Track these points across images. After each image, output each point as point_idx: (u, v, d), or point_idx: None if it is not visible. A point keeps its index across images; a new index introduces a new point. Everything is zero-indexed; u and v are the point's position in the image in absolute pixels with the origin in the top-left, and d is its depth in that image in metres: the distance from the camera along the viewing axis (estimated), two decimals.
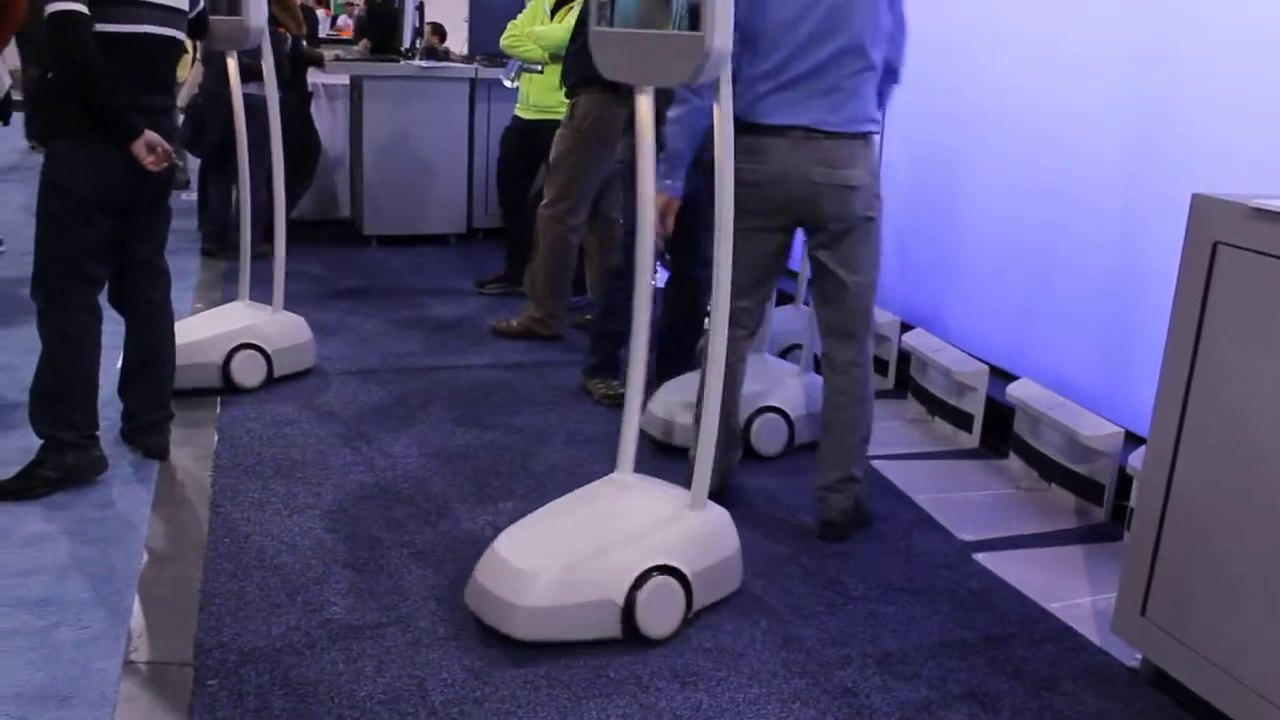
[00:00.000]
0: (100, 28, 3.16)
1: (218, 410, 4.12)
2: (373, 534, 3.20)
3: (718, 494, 3.28)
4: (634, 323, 2.95)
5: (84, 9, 3.11)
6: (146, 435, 3.65)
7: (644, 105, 2.78)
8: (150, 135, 3.25)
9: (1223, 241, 2.34)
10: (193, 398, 4.15)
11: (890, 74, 3.31)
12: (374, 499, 3.44)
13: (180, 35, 3.46)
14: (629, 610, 2.65)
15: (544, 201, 5.01)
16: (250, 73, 5.89)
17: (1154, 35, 3.54)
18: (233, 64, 4.34)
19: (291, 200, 6.87)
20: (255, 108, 5.93)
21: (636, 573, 2.66)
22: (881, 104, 3.37)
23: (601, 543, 2.75)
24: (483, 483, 3.60)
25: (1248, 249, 2.29)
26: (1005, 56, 4.23)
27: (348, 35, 13.81)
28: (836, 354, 3.31)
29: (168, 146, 3.31)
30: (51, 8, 3.10)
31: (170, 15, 3.37)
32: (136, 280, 3.58)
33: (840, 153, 3.13)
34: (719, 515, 2.97)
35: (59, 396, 3.34)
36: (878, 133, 3.27)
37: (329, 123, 7.37)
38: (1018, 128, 4.19)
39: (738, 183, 3.08)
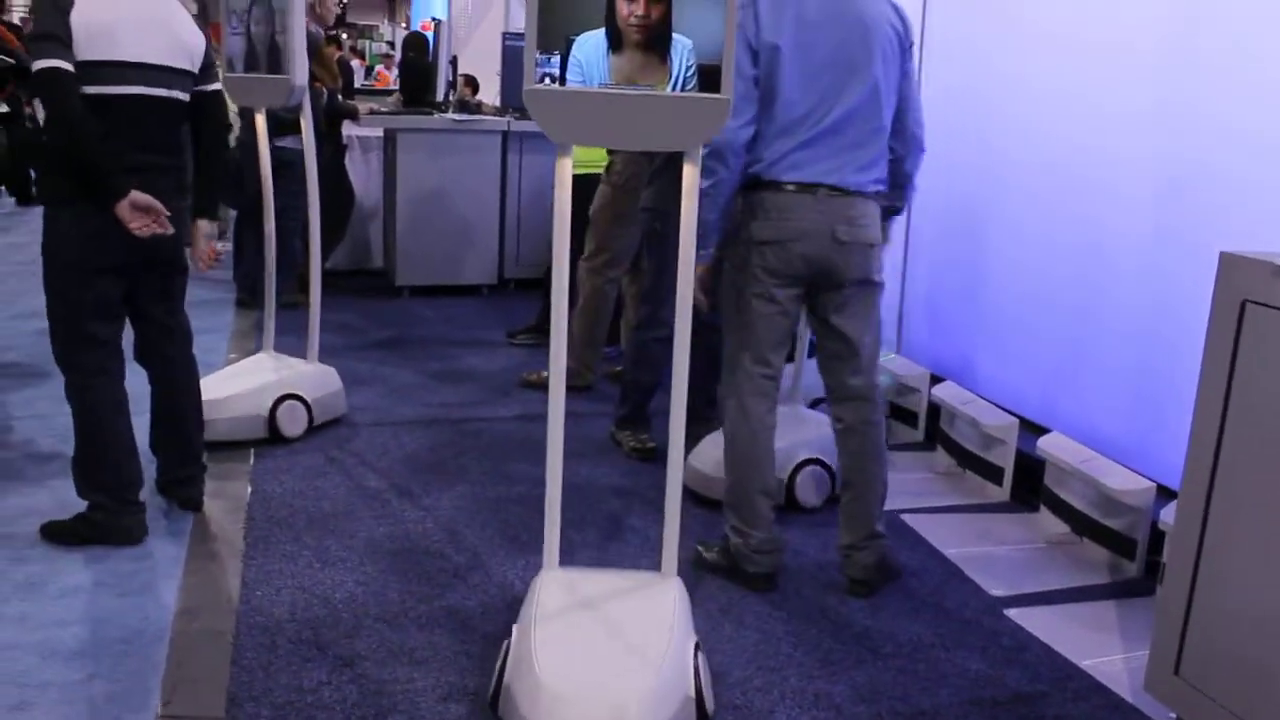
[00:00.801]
0: (86, 90, 3.11)
1: (251, 462, 4.16)
2: (405, 587, 3.22)
3: (768, 576, 3.31)
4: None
5: (69, 66, 3.06)
6: (180, 488, 3.67)
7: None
8: (137, 197, 3.13)
9: (1251, 300, 2.35)
10: (227, 449, 4.20)
11: (915, 141, 3.35)
12: (405, 552, 3.46)
13: (180, 95, 3.36)
14: None
15: (584, 255, 5.06)
16: (286, 126, 6.03)
17: (1183, 91, 3.55)
18: (260, 119, 4.42)
19: (325, 251, 6.97)
20: (292, 161, 6.06)
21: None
22: (912, 175, 3.40)
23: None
24: (513, 536, 3.61)
25: (1275, 307, 2.29)
26: (1036, 111, 4.25)
27: (384, 83, 14.08)
28: (850, 416, 3.30)
29: (161, 209, 3.17)
30: (37, 64, 3.07)
31: (166, 76, 3.30)
32: (153, 338, 3.54)
33: (863, 210, 3.15)
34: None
35: (88, 460, 3.36)
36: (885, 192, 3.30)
37: (363, 174, 7.48)
38: (1048, 182, 4.21)
39: (762, 242, 3.13)
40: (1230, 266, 2.41)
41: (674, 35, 2.54)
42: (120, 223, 3.13)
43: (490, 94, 9.22)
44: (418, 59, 9.54)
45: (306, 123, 4.54)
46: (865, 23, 3.11)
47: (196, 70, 3.42)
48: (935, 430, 4.67)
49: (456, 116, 7.09)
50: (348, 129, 7.07)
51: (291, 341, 4.84)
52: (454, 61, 7.50)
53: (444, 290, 7.19)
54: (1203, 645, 2.50)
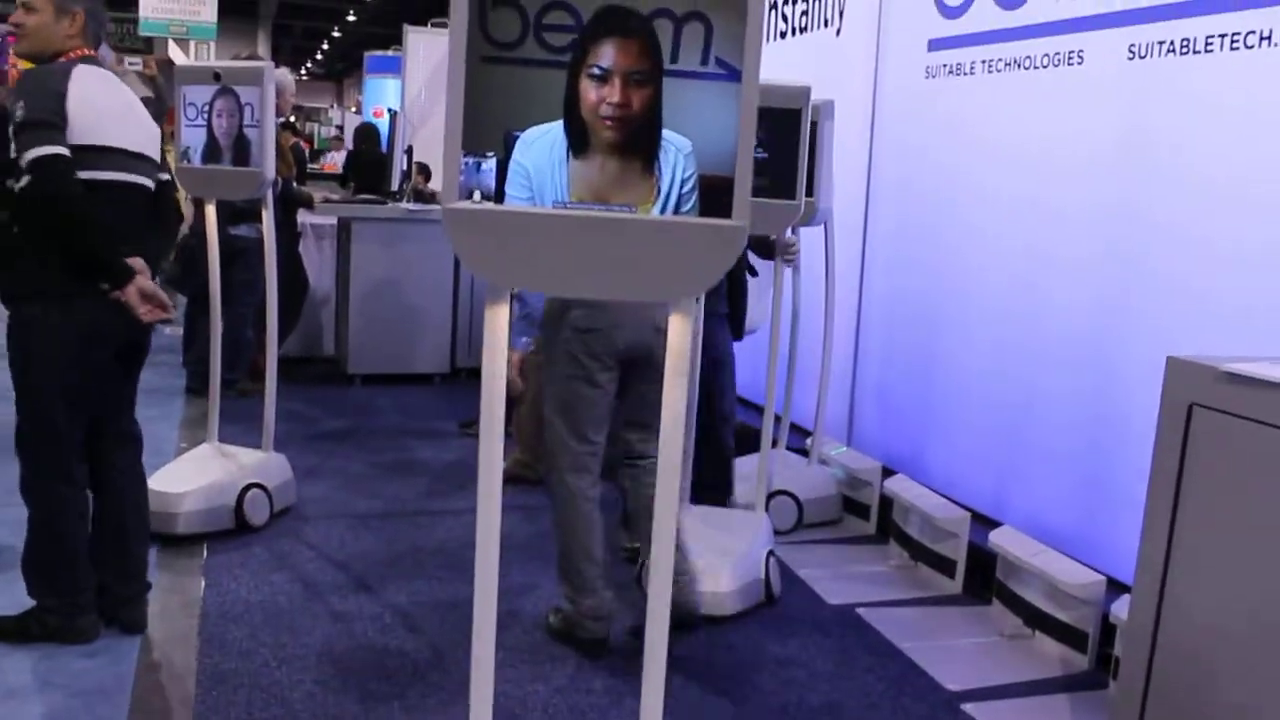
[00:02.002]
0: (80, 175, 3.05)
1: (204, 556, 4.11)
2: (363, 686, 3.19)
3: (599, 641, 3.45)
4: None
5: (66, 151, 3.00)
6: (122, 609, 3.42)
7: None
8: (144, 283, 3.09)
9: (1198, 403, 2.44)
10: (180, 543, 4.15)
11: None
12: (363, 649, 3.43)
13: (150, 183, 3.33)
14: None
15: (534, 348, 5.09)
16: (242, 214, 6.05)
17: (1128, 193, 3.71)
18: (211, 209, 4.45)
19: (279, 339, 6.96)
20: (247, 248, 6.08)
21: None
22: None
23: None
24: (470, 632, 3.58)
25: (1221, 410, 2.39)
26: (986, 210, 4.40)
27: (331, 170, 14.15)
28: (641, 445, 3.50)
29: (164, 297, 3.17)
30: (33, 153, 2.97)
31: (143, 164, 3.29)
32: (104, 445, 3.38)
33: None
34: None
35: (44, 563, 3.27)
36: None
37: (315, 261, 7.49)
38: (997, 279, 4.34)
39: (584, 330, 3.24)
40: (1177, 371, 2.50)
41: (665, 134, 1.95)
42: (124, 309, 3.06)
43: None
44: (369, 150, 9.67)
45: (268, 212, 4.56)
46: None
47: (157, 158, 3.40)
48: (888, 523, 4.73)
49: (410, 206, 7.15)
50: (302, 216, 7.09)
51: (240, 431, 4.80)
52: (409, 151, 7.58)
53: (396, 379, 7.18)
54: None
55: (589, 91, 1.91)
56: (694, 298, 2.09)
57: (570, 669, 3.37)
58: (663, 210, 1.99)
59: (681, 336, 2.06)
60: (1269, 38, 3.21)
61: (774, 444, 5.19)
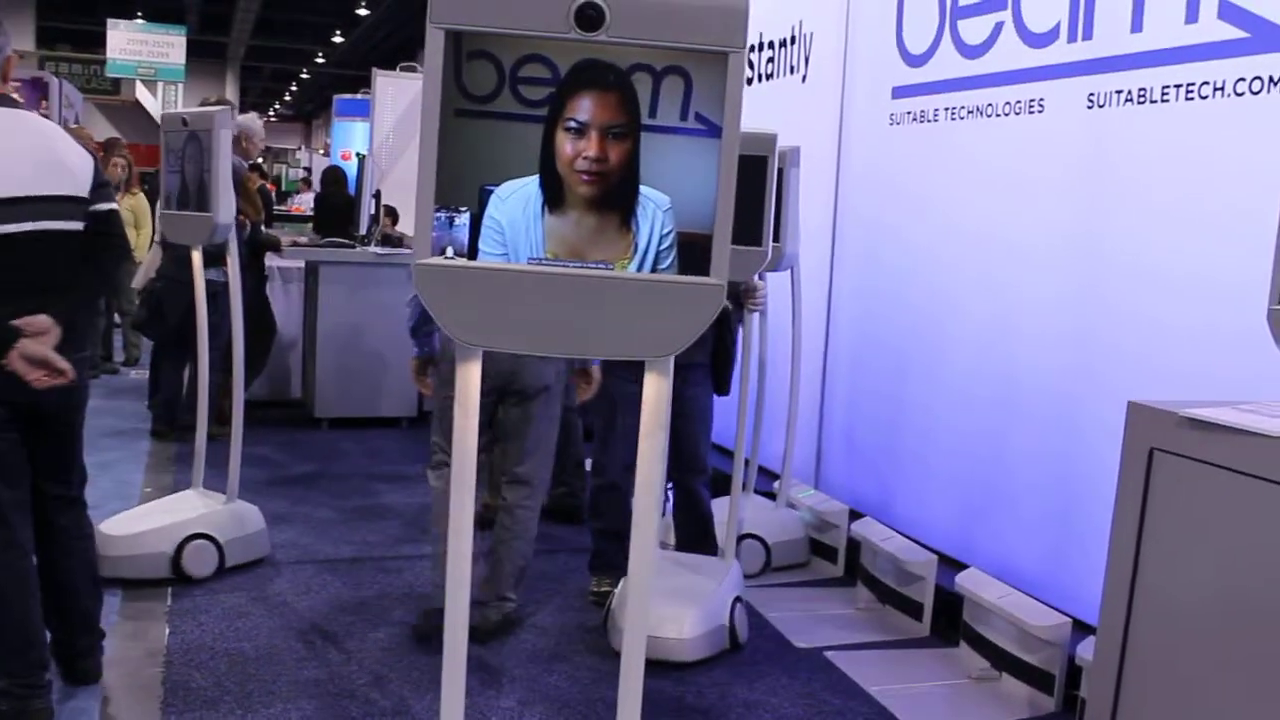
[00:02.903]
0: None
1: (168, 602, 4.07)
2: None
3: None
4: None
5: None
6: (75, 662, 3.30)
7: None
8: (30, 348, 2.77)
9: (1158, 448, 2.47)
10: (141, 588, 4.11)
11: None
12: (329, 697, 3.39)
13: (63, 226, 3.00)
14: None
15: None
16: (209, 258, 6.03)
17: (1094, 231, 3.77)
18: (197, 256, 4.44)
19: (246, 382, 6.91)
20: (215, 293, 6.05)
21: None
22: None
23: None
24: (438, 678, 3.55)
25: (1182, 455, 2.42)
26: (953, 247, 4.45)
27: (299, 211, 14.14)
28: (512, 496, 3.96)
29: (58, 363, 2.79)
30: None
31: (37, 207, 2.93)
32: (43, 506, 3.18)
33: None
34: None
35: None
36: None
37: (283, 305, 7.47)
38: (965, 317, 4.39)
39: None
40: (1137, 415, 2.54)
41: (643, 190, 1.93)
42: (9, 373, 2.77)
43: (411, 224, 9.33)
44: (337, 193, 9.66)
45: (232, 258, 4.55)
46: None
47: (86, 193, 3.07)
48: (855, 566, 4.74)
49: (379, 250, 7.15)
50: (269, 260, 7.08)
51: (206, 476, 4.75)
52: (377, 195, 7.59)
53: (363, 422, 7.15)
54: None
55: (565, 145, 1.90)
56: (670, 356, 2.06)
57: (538, 714, 3.35)
58: (640, 267, 1.94)
59: (657, 394, 2.06)
60: (1222, 88, 3.29)
61: (742, 488, 5.24)
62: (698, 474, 4.39)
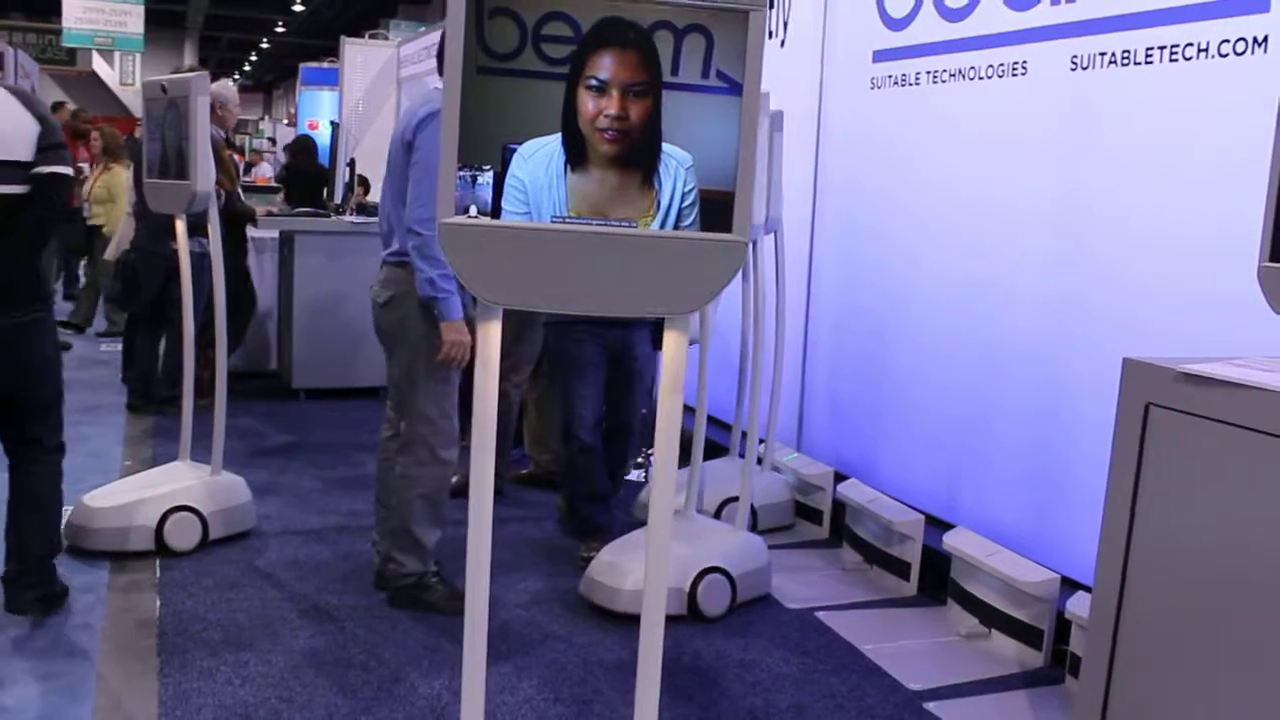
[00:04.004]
0: None
1: (157, 574, 4.05)
2: (329, 702, 3.16)
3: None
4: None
5: None
6: (8, 587, 3.53)
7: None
8: None
9: (1155, 403, 2.51)
10: (130, 560, 4.09)
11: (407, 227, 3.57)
12: (326, 665, 3.40)
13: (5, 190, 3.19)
14: None
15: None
16: (189, 229, 5.95)
17: (1081, 192, 3.80)
18: (180, 225, 4.39)
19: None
20: (194, 265, 5.99)
21: None
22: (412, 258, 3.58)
23: None
24: (434, 646, 3.58)
25: (1178, 410, 2.46)
26: (937, 209, 4.47)
27: (264, 182, 14.01)
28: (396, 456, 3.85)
29: None
30: None
31: None
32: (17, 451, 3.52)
33: (384, 275, 3.72)
34: None
35: None
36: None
37: (257, 275, 7.40)
38: (948, 280, 4.42)
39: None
40: (1133, 371, 2.57)
41: (665, 148, 1.92)
42: None
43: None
44: (306, 162, 9.56)
45: (213, 227, 4.50)
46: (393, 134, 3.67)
47: (27, 157, 3.23)
48: (841, 527, 4.79)
49: (354, 219, 7.10)
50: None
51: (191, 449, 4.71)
52: (351, 164, 7.52)
53: (341, 393, 7.11)
54: None
55: (587, 103, 1.90)
56: (691, 313, 2.09)
57: (535, 679, 3.37)
58: (662, 225, 1.95)
59: (677, 351, 2.08)
60: (1206, 50, 3.32)
61: (725, 452, 5.27)
62: (630, 434, 4.61)
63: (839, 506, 4.83)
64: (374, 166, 9.38)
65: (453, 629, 3.68)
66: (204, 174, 4.17)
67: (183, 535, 4.26)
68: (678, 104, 1.93)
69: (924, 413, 4.59)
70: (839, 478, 4.91)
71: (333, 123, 8.46)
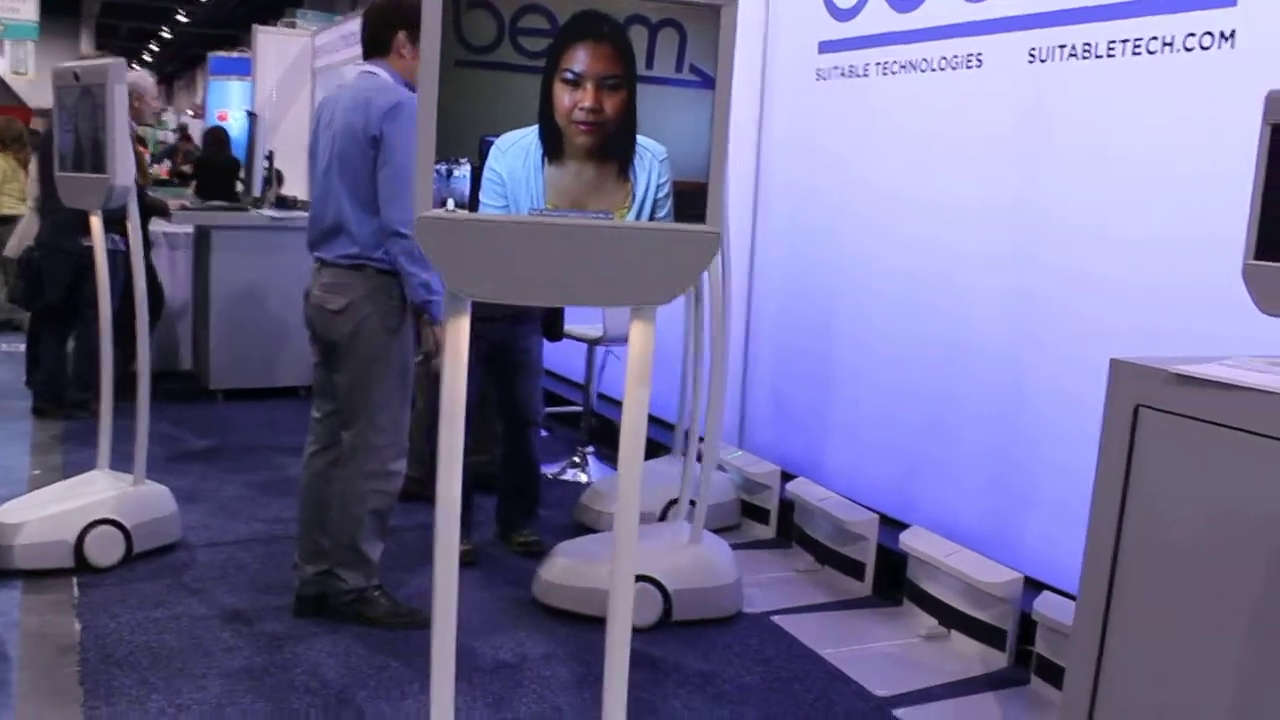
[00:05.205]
0: None
1: (75, 594, 3.79)
2: None
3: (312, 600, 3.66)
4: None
5: None
6: None
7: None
8: None
9: (1145, 405, 2.44)
10: (45, 579, 3.83)
11: (384, 227, 3.38)
12: (266, 688, 3.19)
13: None
14: None
15: (419, 358, 4.91)
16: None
17: (1027, 192, 3.75)
18: (96, 221, 4.13)
19: (134, 354, 6.55)
20: (108, 262, 5.69)
21: None
22: (395, 259, 3.39)
23: None
24: (380, 664, 3.40)
25: (1170, 412, 2.39)
26: (886, 207, 4.39)
27: (165, 175, 13.54)
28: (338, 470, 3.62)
29: None
30: None
31: None
32: None
33: (330, 279, 3.47)
34: None
35: None
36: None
37: (169, 272, 7.10)
38: (901, 278, 4.33)
39: None
40: (1122, 372, 2.50)
41: (639, 140, 1.94)
42: None
43: (297, 185, 8.95)
44: (219, 154, 9.24)
45: (133, 223, 4.24)
46: (335, 127, 3.43)
47: None
48: (789, 527, 4.70)
49: (274, 213, 6.82)
50: (155, 225, 6.69)
51: (94, 456, 4.44)
52: (270, 156, 7.24)
53: (261, 393, 6.84)
54: None
55: (562, 96, 1.89)
56: (657, 305, 2.09)
57: (490, 697, 3.22)
58: (638, 216, 1.96)
59: (644, 343, 2.09)
60: (1170, 44, 3.28)
61: (667, 450, 5.14)
62: (530, 424, 4.46)
63: (786, 505, 4.74)
64: (290, 158, 9.09)
65: (398, 645, 3.51)
66: (123, 167, 3.92)
67: (105, 551, 4.01)
68: (652, 97, 1.94)
69: (874, 411, 4.52)
70: (785, 477, 4.82)
71: (250, 113, 8.14)
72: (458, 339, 2.01)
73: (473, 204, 1.88)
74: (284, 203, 7.08)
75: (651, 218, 1.96)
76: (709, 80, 1.97)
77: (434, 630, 2.21)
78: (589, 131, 1.90)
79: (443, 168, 1.84)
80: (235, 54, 12.24)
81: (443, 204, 1.86)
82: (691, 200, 1.96)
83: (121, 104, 3.94)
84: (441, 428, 2.07)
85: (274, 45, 9.41)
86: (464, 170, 1.85)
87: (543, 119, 1.88)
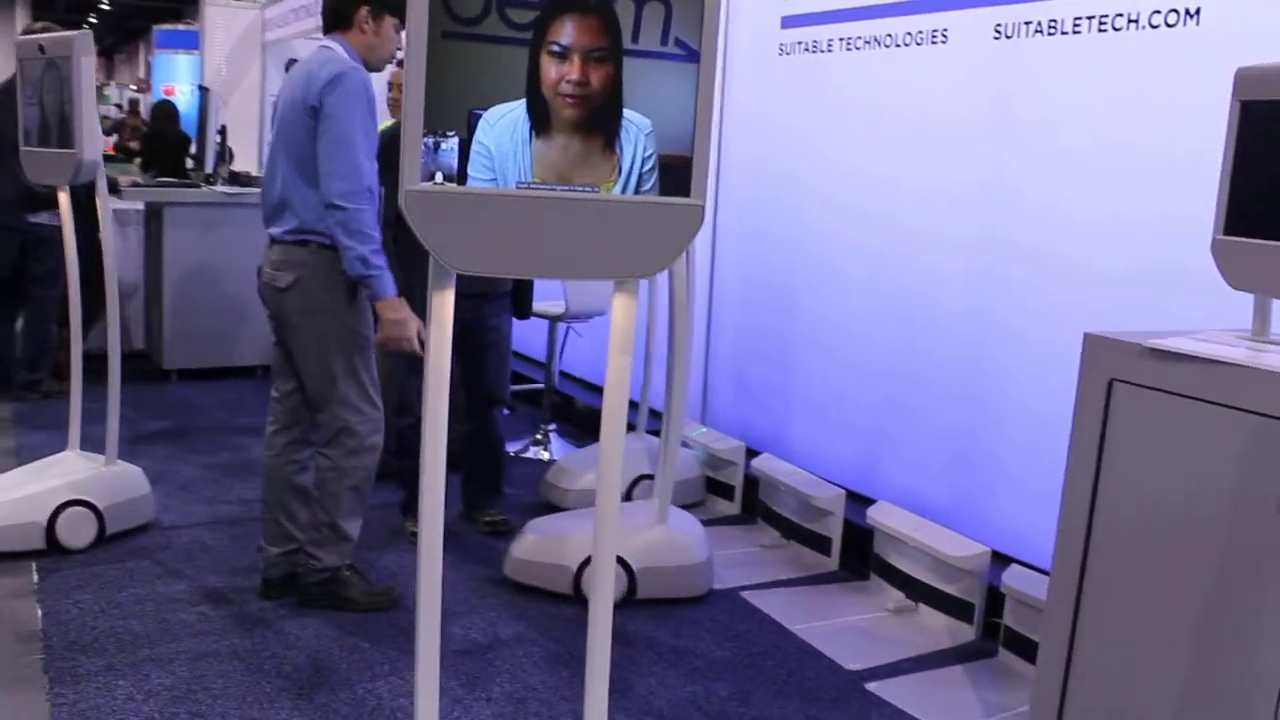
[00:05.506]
0: None
1: (35, 578, 3.72)
2: (244, 714, 2.93)
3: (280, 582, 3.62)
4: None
5: None
6: None
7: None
8: None
9: (1119, 379, 2.47)
10: (2, 564, 3.76)
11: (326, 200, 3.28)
12: (236, 672, 3.15)
13: None
14: None
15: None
16: (43, 201, 5.53)
17: (993, 170, 3.77)
18: (64, 197, 4.06)
19: (84, 333, 6.42)
20: (49, 238, 5.57)
21: None
22: (333, 233, 3.30)
23: None
24: (351, 645, 3.37)
25: (1143, 385, 2.42)
26: (849, 185, 4.40)
27: (111, 151, 13.26)
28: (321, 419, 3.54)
29: None
30: None
31: None
32: None
33: (279, 255, 3.42)
34: None
35: None
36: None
37: (120, 249, 6.95)
38: (864, 255, 4.35)
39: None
40: (1096, 347, 2.53)
41: (625, 113, 1.94)
42: None
43: (247, 161, 8.82)
44: (168, 129, 9.06)
45: (103, 198, 4.16)
46: (282, 100, 3.42)
47: None
48: (754, 503, 4.71)
49: (226, 189, 6.71)
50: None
51: (46, 439, 4.37)
52: (223, 130, 7.10)
53: (216, 373, 6.74)
54: (1082, 710, 2.59)
55: (549, 69, 1.89)
56: (643, 277, 2.11)
57: (462, 678, 3.20)
58: (624, 189, 1.97)
59: (627, 315, 2.12)
60: (1136, 20, 3.30)
61: (632, 428, 5.13)
62: (496, 402, 4.43)
63: (751, 481, 4.76)
64: (240, 134, 8.94)
65: (368, 625, 3.48)
66: (90, 141, 3.85)
67: (77, 532, 3.96)
68: (637, 70, 1.94)
69: (839, 388, 4.54)
70: (750, 453, 4.83)
71: (201, 88, 7.98)
72: (442, 311, 2.01)
73: (460, 177, 1.87)
74: (237, 179, 6.95)
75: (637, 191, 1.97)
76: (693, 54, 1.97)
77: (419, 610, 2.19)
78: (575, 104, 1.90)
79: (431, 141, 1.83)
80: (182, 26, 11.99)
81: (431, 177, 1.85)
82: (676, 173, 1.97)
83: (89, 77, 3.89)
84: (426, 402, 2.06)
85: (222, 18, 9.23)
86: (452, 143, 1.84)
87: (530, 92, 1.88)
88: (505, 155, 1.89)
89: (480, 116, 1.86)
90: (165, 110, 8.93)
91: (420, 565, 2.18)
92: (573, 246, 1.95)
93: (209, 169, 6.95)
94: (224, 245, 6.59)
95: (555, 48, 1.88)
